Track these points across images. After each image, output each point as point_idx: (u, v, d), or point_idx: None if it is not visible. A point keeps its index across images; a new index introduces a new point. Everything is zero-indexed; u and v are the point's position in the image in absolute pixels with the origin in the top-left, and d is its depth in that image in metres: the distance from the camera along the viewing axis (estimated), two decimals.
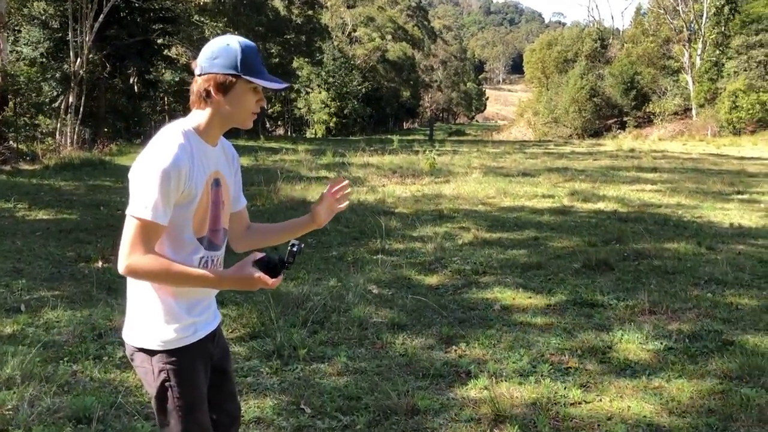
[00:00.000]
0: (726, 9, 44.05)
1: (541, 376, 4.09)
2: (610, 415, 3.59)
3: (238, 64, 1.95)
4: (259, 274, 1.95)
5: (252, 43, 2.04)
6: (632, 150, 27.57)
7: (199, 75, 1.99)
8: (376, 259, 7.05)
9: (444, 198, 11.66)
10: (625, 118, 48.90)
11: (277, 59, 40.50)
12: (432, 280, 6.42)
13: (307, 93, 50.90)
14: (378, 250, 7.51)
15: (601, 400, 3.79)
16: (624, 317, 5.13)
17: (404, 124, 76.00)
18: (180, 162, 1.90)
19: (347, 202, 2.38)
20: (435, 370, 4.18)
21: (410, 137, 42.14)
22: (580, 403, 3.73)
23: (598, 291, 5.87)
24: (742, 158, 23.84)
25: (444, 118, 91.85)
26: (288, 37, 40.53)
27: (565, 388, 3.91)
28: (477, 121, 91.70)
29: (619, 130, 47.45)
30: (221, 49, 1.97)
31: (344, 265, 6.92)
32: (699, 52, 46.84)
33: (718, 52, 44.70)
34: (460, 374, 4.17)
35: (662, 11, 50.68)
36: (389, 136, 39.81)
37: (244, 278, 1.96)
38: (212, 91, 1.97)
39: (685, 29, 48.57)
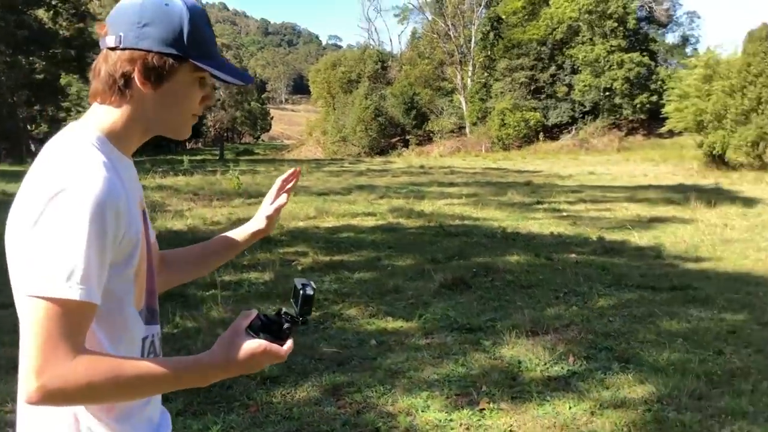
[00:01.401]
0: (491, 35, 48.01)
1: (461, 425, 3.50)
2: None
3: (185, 39, 1.17)
4: (263, 343, 1.19)
5: (200, 6, 1.21)
6: (422, 166, 28.77)
7: (115, 48, 1.15)
8: (211, 296, 6.03)
9: None
10: (407, 136, 51.08)
11: (42, 75, 36.23)
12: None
13: (78, 112, 46.36)
14: (209, 284, 6.47)
15: None
16: (510, 341, 4.75)
17: (187, 144, 72.71)
18: (115, 193, 1.08)
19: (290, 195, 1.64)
20: None
21: (199, 157, 40.23)
22: None
23: (468, 312, 5.48)
24: (520, 171, 25.87)
25: (229, 138, 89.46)
26: (55, 51, 36.44)
27: None
28: (263, 140, 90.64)
29: (403, 148, 49.48)
30: (156, 9, 1.15)
31: (175, 306, 5.80)
32: (470, 74, 50.56)
33: (486, 74, 48.60)
34: None
35: (435, 35, 53.96)
36: (175, 156, 37.55)
37: (245, 357, 1.18)
38: (137, 79, 1.15)
39: (456, 53, 52.10)
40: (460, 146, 46.64)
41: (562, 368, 4.24)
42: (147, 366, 1.10)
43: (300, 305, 1.27)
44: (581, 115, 44.90)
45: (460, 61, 51.79)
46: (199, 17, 1.17)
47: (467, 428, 3.46)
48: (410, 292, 6.14)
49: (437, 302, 5.83)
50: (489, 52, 48.70)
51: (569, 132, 44.72)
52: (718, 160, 23.91)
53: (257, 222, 1.59)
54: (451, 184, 18.62)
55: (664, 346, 4.61)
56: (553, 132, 45.19)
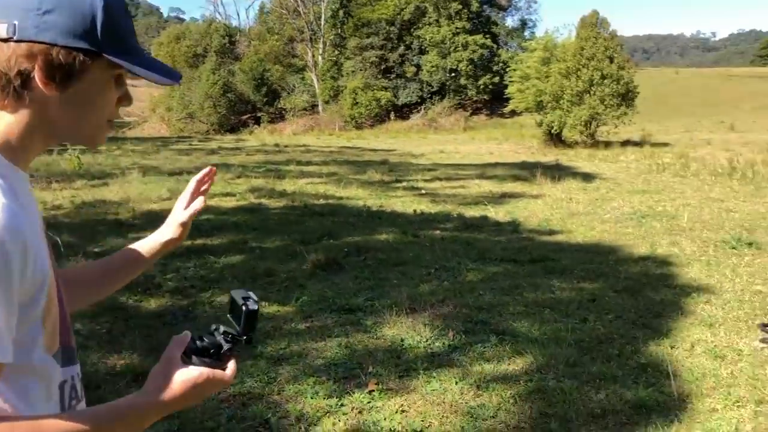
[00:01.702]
0: (341, 12, 47.97)
1: (353, 409, 3.43)
2: None
3: (98, 30, 0.94)
4: (204, 371, 1.03)
5: None
6: (277, 144, 28.28)
7: (7, 40, 0.90)
8: None
9: (112, 204, 10.02)
10: (258, 114, 49.94)
11: None
12: (151, 304, 5.20)
13: None
14: None
15: (429, 425, 3.30)
16: (390, 319, 4.74)
17: None
18: (17, 224, 0.86)
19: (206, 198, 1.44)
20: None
21: None
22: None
23: (346, 293, 5.42)
24: (375, 150, 26.20)
25: None
26: None
27: (385, 419, 3.33)
28: None
29: (255, 126, 48.35)
30: None
31: None
32: (321, 51, 50.28)
33: (337, 52, 48.56)
34: (257, 428, 3.28)
35: (284, 11, 53.01)
36: None
37: (186, 390, 1.01)
38: (38, 78, 0.91)
39: (306, 30, 51.53)
40: (314, 124, 46.37)
41: (443, 344, 4.30)
42: (70, 424, 0.90)
43: (243, 323, 1.10)
44: (429, 95, 46.24)
45: (311, 38, 51.31)
46: (115, 3, 0.95)
47: (360, 412, 3.40)
48: (284, 275, 5.97)
49: (313, 284, 5.71)
50: (339, 30, 48.67)
51: (419, 111, 45.91)
52: (555, 138, 25.61)
53: (169, 230, 1.39)
54: (309, 163, 18.43)
55: (534, 316, 4.83)
56: (403, 111, 46.20)
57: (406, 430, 3.21)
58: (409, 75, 46.08)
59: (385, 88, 44.89)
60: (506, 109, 34.30)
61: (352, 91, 44.08)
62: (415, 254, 6.77)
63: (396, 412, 3.39)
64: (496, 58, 44.62)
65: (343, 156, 21.66)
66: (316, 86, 49.28)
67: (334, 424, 3.29)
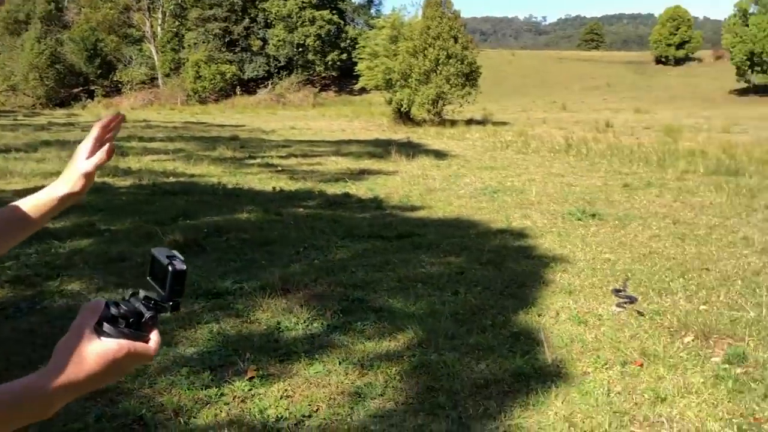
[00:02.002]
0: None
1: (235, 398, 3.23)
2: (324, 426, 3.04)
3: None
4: (124, 344, 0.87)
5: None
6: None
7: None
8: None
9: None
10: (92, 87, 46.55)
11: None
12: None
13: None
14: None
15: (317, 409, 3.19)
16: (263, 302, 4.55)
17: None
18: None
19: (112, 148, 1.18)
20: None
21: None
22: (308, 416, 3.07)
23: (211, 275, 5.13)
24: (222, 125, 25.35)
25: None
26: None
27: (269, 406, 3.17)
28: None
29: (88, 99, 45.00)
30: None
31: None
32: (160, 22, 47.63)
33: (177, 23, 46.24)
34: (131, 425, 2.99)
35: None
36: None
37: (103, 366, 0.86)
38: None
39: None
40: (153, 99, 43.98)
41: (321, 324, 4.19)
42: None
43: (169, 285, 0.92)
44: (277, 70, 45.46)
45: (149, 7, 48.40)
46: None
47: (242, 400, 3.22)
48: (139, 259, 5.54)
49: None
50: (180, 0, 46.31)
51: (266, 87, 45.03)
52: (404, 116, 26.16)
53: (67, 182, 1.16)
54: (153, 139, 17.45)
55: (409, 291, 4.85)
56: (249, 86, 45.07)
57: (294, 415, 3.07)
58: (255, 49, 44.98)
59: (230, 62, 43.54)
60: (356, 87, 34.47)
61: (195, 64, 42.29)
62: (280, 233, 6.58)
63: (281, 398, 3.24)
64: (343, 35, 44.70)
65: (190, 132, 20.74)
66: (156, 58, 46.72)
67: (216, 415, 3.08)
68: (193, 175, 10.58)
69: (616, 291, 4.87)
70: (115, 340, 0.87)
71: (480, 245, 6.27)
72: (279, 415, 3.07)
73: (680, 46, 60.88)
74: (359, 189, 9.64)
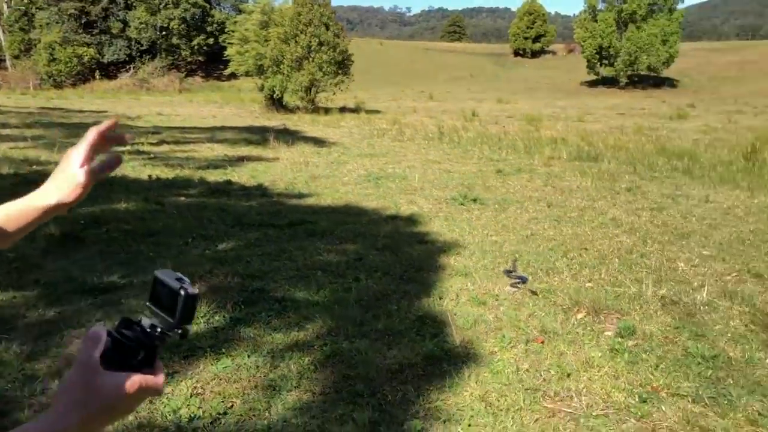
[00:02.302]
0: None
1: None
2: (216, 415, 2.94)
3: None
4: (136, 379, 0.81)
5: None
6: None
7: None
8: None
9: None
10: None
11: None
12: None
13: None
14: None
15: (232, 405, 3.06)
16: None
17: None
18: None
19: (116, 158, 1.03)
20: None
21: None
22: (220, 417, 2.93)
23: (95, 270, 4.79)
24: (82, 111, 23.81)
25: None
26: None
27: (181, 406, 3.01)
28: None
29: None
30: None
31: None
32: (7, 0, 43.78)
33: (27, 1, 42.64)
34: None
35: None
36: None
37: (116, 403, 0.79)
38: None
39: None
40: (2, 82, 40.32)
41: (224, 317, 4.04)
42: None
43: (180, 311, 0.85)
44: (139, 54, 43.22)
45: None
46: None
47: (150, 402, 3.02)
48: (11, 254, 5.06)
49: (50, 262, 4.95)
50: None
51: (127, 71, 42.66)
52: (277, 103, 25.77)
53: (60, 191, 1.01)
54: (6, 125, 16.02)
55: (309, 280, 4.78)
56: (110, 70, 42.53)
57: (209, 413, 2.94)
58: (115, 31, 42.44)
59: (88, 45, 40.82)
60: (226, 72, 33.46)
61: (48, 46, 39.25)
62: (164, 223, 6.26)
63: (191, 397, 3.08)
64: (209, 18, 43.17)
65: (48, 117, 19.26)
66: (2, 39, 42.82)
67: (122, 420, 2.87)
68: (49, 163, 9.81)
69: (508, 272, 5.06)
70: (125, 374, 0.80)
71: (373, 231, 6.29)
72: (192, 414, 2.92)
73: (536, 39, 64.33)
74: (241, 176, 9.37)
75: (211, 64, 41.72)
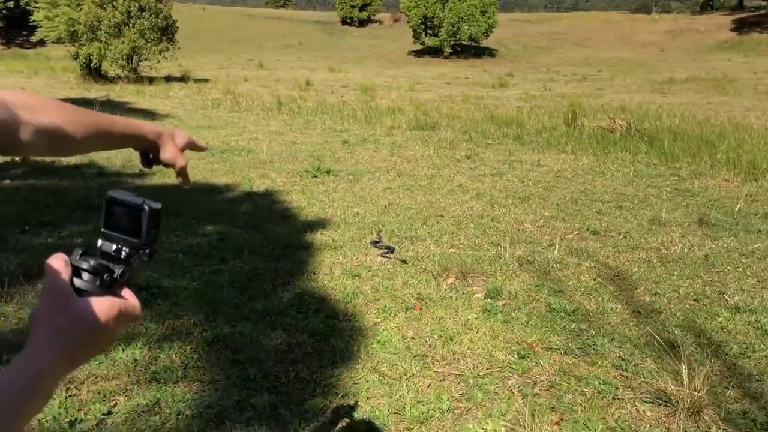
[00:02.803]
0: None
1: None
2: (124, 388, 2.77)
3: None
4: (115, 302, 0.77)
5: None
6: None
7: None
8: None
9: None
10: None
11: None
12: None
13: None
14: None
15: (116, 404, 2.85)
16: (3, 293, 3.87)
17: None
18: None
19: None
20: None
21: None
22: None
23: None
24: None
25: None
26: None
27: (60, 411, 2.75)
28: None
29: None
30: None
31: None
32: None
33: None
34: None
35: None
36: None
37: (96, 331, 0.73)
38: None
39: None
40: None
41: None
42: None
43: (146, 228, 0.82)
44: None
45: None
46: None
47: None
48: None
49: None
50: None
51: None
52: (95, 72, 23.85)
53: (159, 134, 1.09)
54: None
55: (172, 264, 4.54)
56: None
57: (93, 415, 2.72)
58: None
59: None
60: (33, 39, 30.31)
61: None
62: None
63: (67, 399, 2.83)
64: None
65: None
66: None
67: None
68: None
69: (374, 242, 5.14)
70: (102, 297, 0.75)
71: (230, 209, 6.09)
72: (74, 418, 2.69)
73: (363, 8, 64.93)
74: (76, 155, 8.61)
75: (13, 30, 37.55)
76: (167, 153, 1.10)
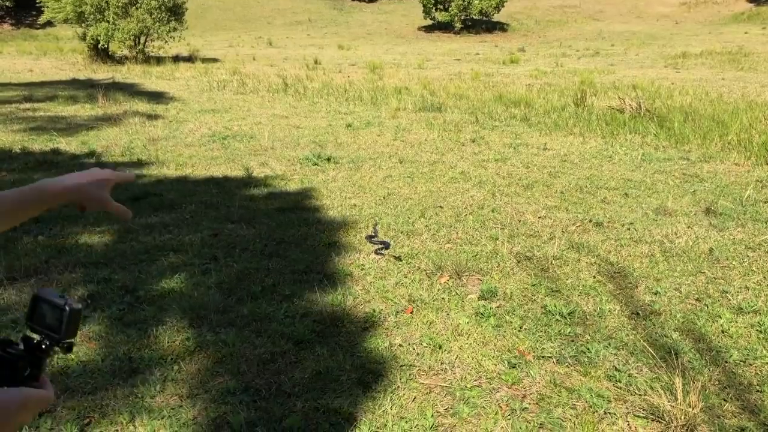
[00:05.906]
0: None
1: None
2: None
3: None
4: (21, 393, 0.86)
5: None
6: None
7: None
8: None
9: None
10: None
11: None
12: None
13: None
14: None
15: (90, 421, 2.78)
16: None
17: None
18: None
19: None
20: None
21: None
22: None
23: None
24: None
25: None
26: None
27: (35, 429, 2.68)
28: None
29: None
30: None
31: None
32: None
33: None
34: None
35: None
36: None
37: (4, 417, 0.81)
38: None
39: None
40: None
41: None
42: None
43: (65, 325, 0.92)
44: None
45: None
46: None
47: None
48: None
49: None
50: None
51: None
52: (103, 53, 23.73)
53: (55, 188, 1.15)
54: None
55: (161, 263, 4.45)
56: None
57: None
58: None
59: None
60: (41, 20, 30.19)
61: None
62: None
63: (40, 417, 2.76)
64: None
65: None
66: None
67: None
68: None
69: (370, 237, 5.03)
70: (12, 388, 0.83)
71: (226, 201, 5.99)
72: None
73: None
74: (70, 143, 8.54)
75: (22, 10, 37.45)
76: (92, 208, 1.19)
